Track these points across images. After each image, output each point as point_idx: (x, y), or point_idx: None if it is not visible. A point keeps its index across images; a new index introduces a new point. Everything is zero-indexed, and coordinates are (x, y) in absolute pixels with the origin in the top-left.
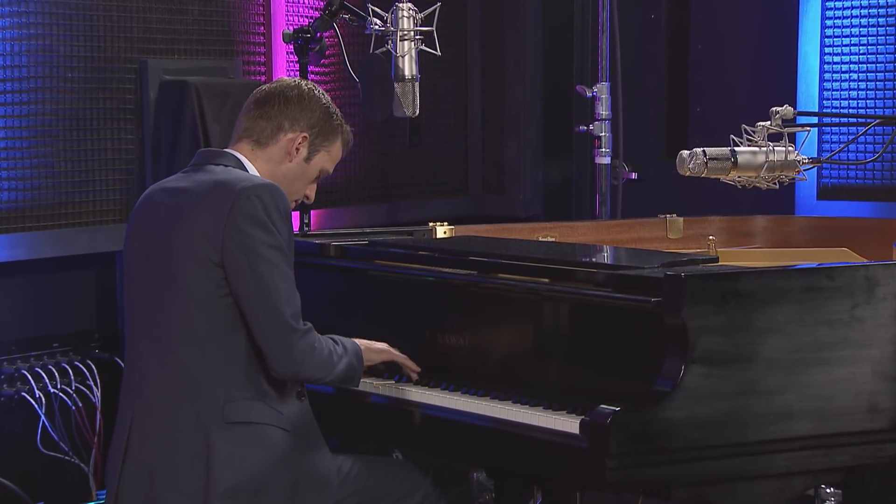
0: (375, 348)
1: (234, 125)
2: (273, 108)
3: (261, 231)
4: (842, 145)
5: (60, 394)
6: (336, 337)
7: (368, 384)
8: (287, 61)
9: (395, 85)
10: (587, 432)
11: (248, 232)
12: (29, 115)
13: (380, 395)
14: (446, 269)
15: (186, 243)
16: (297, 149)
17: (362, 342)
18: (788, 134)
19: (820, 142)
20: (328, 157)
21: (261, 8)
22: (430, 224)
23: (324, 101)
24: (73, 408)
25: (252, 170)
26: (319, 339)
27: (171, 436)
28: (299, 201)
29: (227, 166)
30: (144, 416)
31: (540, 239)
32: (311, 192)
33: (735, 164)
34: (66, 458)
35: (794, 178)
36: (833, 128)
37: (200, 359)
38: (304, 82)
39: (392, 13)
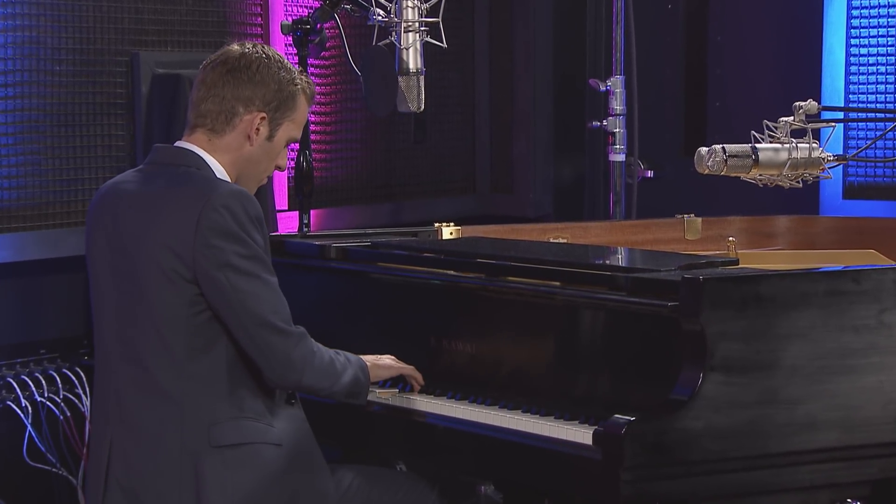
0: (383, 364)
1: (187, 107)
2: (224, 89)
3: (234, 244)
4: (869, 142)
5: (47, 402)
6: (338, 350)
7: (371, 392)
8: (286, 54)
9: (399, 79)
10: (601, 443)
11: (219, 247)
12: (15, 110)
13: (383, 404)
14: (452, 272)
15: (152, 259)
16: (258, 130)
17: (368, 358)
18: (812, 130)
19: (846, 138)
20: (293, 126)
21: None
22: (436, 224)
23: (274, 69)
24: (61, 417)
25: (213, 163)
26: (318, 346)
27: (156, 462)
28: (272, 175)
29: (188, 167)
30: (124, 440)
31: (551, 240)
32: (283, 160)
33: (756, 161)
34: (54, 469)
35: (818, 177)
36: (859, 123)
37: (180, 382)
38: (251, 50)
39: (396, 3)
